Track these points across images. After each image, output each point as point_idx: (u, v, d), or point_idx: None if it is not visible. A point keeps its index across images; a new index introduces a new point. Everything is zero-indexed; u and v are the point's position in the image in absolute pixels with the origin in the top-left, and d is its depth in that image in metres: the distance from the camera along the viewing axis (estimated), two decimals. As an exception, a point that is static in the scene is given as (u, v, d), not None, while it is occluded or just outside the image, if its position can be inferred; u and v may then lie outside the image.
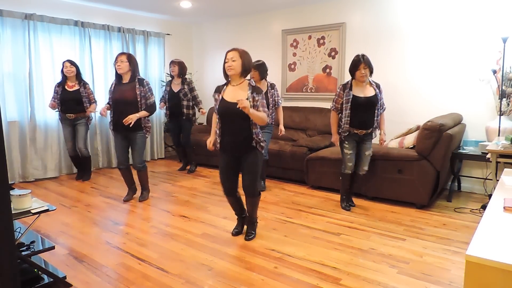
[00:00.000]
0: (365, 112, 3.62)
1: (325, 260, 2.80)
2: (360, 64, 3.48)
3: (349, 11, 5.30)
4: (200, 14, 6.45)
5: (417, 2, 4.71)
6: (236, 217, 3.36)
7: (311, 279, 2.52)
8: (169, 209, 4.04)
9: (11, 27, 4.87)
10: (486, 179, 4.41)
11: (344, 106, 3.64)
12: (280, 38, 6.06)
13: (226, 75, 2.94)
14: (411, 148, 4.16)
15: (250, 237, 3.19)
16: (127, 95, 3.91)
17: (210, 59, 7.12)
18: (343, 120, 3.67)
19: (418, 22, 4.73)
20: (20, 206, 2.29)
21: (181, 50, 7.12)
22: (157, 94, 6.48)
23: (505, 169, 2.35)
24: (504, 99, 4.00)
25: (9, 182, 2.61)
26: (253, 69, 4.32)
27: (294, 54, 5.93)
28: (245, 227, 3.30)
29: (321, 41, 5.61)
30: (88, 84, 5.02)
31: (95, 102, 5.06)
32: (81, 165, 5.21)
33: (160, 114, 6.55)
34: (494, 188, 2.40)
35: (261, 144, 2.95)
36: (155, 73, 6.55)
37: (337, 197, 4.37)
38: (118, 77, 4.00)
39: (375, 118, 3.68)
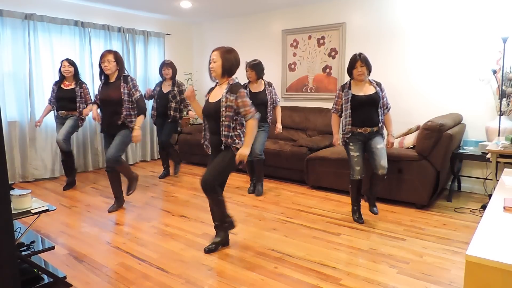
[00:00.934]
0: (366, 110, 3.45)
1: (325, 260, 2.80)
2: (356, 62, 3.38)
3: (349, 11, 5.30)
4: (200, 14, 6.45)
5: (417, 2, 4.71)
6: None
7: (311, 279, 2.52)
8: (169, 209, 4.04)
9: (11, 27, 4.87)
10: (486, 179, 4.41)
11: (344, 106, 3.52)
12: (280, 38, 6.06)
13: (210, 76, 2.97)
14: (411, 148, 4.16)
15: (210, 247, 2.96)
16: (113, 94, 3.74)
17: (210, 59, 7.10)
18: (344, 121, 3.52)
19: (418, 22, 4.73)
20: (20, 206, 2.29)
21: (181, 50, 7.12)
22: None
23: (505, 169, 2.35)
24: (504, 99, 4.00)
25: (9, 182, 2.61)
26: (250, 68, 4.32)
27: (294, 54, 5.93)
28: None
29: (321, 41, 5.61)
30: (85, 84, 4.80)
31: (92, 103, 4.82)
32: (65, 162, 4.80)
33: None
34: (494, 188, 2.40)
35: (236, 146, 2.82)
36: (155, 73, 6.55)
37: (337, 197, 4.37)
38: (106, 76, 3.82)
39: (380, 118, 3.51)
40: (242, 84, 3.71)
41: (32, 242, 2.42)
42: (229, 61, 2.85)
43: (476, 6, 4.31)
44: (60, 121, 4.80)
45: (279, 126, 4.51)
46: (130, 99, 3.82)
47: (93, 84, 5.69)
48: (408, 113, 4.87)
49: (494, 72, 4.10)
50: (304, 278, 2.54)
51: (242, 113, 2.78)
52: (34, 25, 5.00)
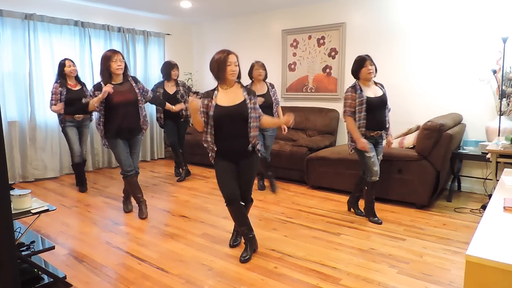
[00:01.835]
0: (379, 113, 3.44)
1: (325, 260, 2.80)
2: (366, 61, 3.39)
3: (349, 11, 5.30)
4: (200, 14, 6.45)
5: (417, 2, 4.71)
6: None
7: (311, 279, 2.52)
8: (169, 209, 4.04)
9: (11, 27, 4.87)
10: (486, 179, 4.41)
11: (357, 108, 3.38)
12: (280, 38, 6.06)
13: (222, 77, 2.75)
14: (411, 148, 4.16)
15: (246, 257, 2.83)
16: (131, 96, 3.59)
17: (210, 59, 7.10)
18: (357, 123, 3.41)
19: (418, 22, 4.73)
20: (20, 206, 2.29)
21: (181, 50, 7.12)
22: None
23: (505, 169, 2.35)
24: (504, 99, 4.00)
25: (9, 182, 2.61)
26: (261, 67, 4.38)
27: (294, 54, 5.93)
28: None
29: (321, 41, 5.61)
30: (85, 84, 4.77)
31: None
32: (82, 173, 4.80)
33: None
34: (494, 188, 2.40)
35: (258, 147, 2.82)
36: (155, 73, 6.55)
37: (337, 197, 4.37)
38: (108, 78, 3.54)
39: (386, 119, 3.52)
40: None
41: (32, 242, 2.42)
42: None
43: (476, 6, 4.31)
44: (75, 124, 4.63)
45: (285, 127, 4.48)
46: (145, 98, 3.80)
47: (93, 84, 5.67)
48: (408, 113, 4.87)
49: (494, 72, 4.10)
50: (304, 278, 2.54)
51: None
52: (34, 25, 5.00)
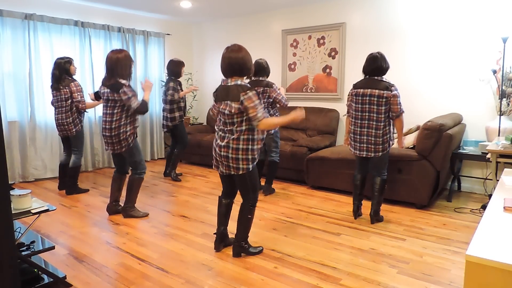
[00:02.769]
0: None
1: (325, 260, 2.80)
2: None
3: (349, 11, 5.30)
4: (200, 14, 6.45)
5: (417, 2, 4.71)
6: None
7: (311, 279, 2.52)
8: (169, 209, 4.04)
9: (11, 27, 4.87)
10: (486, 179, 4.41)
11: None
12: (280, 38, 6.06)
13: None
14: (411, 148, 4.16)
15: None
16: None
17: (210, 59, 7.12)
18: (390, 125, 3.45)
19: (418, 22, 4.73)
20: (20, 206, 2.29)
21: (181, 50, 7.12)
22: (158, 94, 6.49)
23: (505, 169, 2.35)
24: (504, 99, 4.00)
25: (9, 182, 2.61)
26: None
27: (294, 54, 5.93)
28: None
29: (321, 41, 5.61)
30: None
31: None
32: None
33: (159, 114, 6.54)
34: (494, 188, 2.40)
35: None
36: (155, 73, 6.55)
37: (337, 197, 4.37)
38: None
39: None
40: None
41: (32, 242, 2.42)
42: None
43: (476, 6, 4.31)
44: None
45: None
46: None
47: (93, 84, 5.69)
48: (408, 113, 4.84)
49: (494, 72, 4.10)
50: (304, 278, 2.54)
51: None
52: (34, 25, 5.00)
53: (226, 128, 2.71)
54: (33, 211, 2.29)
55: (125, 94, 3.41)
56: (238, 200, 2.94)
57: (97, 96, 4.38)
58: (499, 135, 3.98)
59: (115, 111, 3.47)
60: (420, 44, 4.75)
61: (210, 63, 7.14)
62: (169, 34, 6.80)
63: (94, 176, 5.48)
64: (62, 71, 4.30)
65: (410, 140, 4.27)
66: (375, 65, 3.33)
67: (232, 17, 6.63)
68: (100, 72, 5.76)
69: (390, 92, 3.27)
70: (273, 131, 4.37)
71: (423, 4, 4.67)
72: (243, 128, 2.65)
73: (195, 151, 6.04)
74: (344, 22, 5.33)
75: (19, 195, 2.29)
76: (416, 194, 3.92)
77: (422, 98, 4.79)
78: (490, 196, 3.83)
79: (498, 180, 2.48)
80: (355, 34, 5.28)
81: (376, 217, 3.55)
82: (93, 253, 2.95)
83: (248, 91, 2.59)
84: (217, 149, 2.75)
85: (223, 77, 2.75)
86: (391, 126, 3.43)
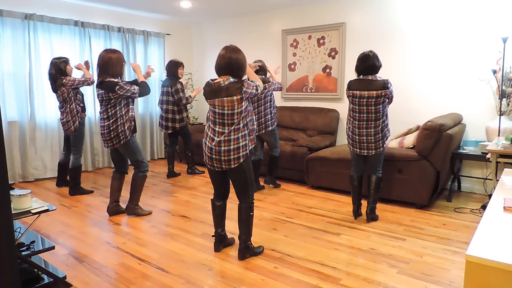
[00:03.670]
0: None
1: (325, 260, 2.80)
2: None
3: (349, 11, 5.30)
4: (200, 14, 6.45)
5: (417, 2, 4.71)
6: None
7: (311, 279, 2.52)
8: (169, 209, 4.04)
9: (11, 27, 4.87)
10: (486, 179, 4.41)
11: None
12: (280, 38, 6.06)
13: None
14: (411, 148, 4.16)
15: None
16: None
17: (210, 59, 7.11)
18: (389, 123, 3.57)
19: (418, 22, 4.73)
20: (20, 206, 2.29)
21: (181, 50, 7.12)
22: (158, 94, 6.48)
23: (505, 169, 2.35)
24: (504, 99, 4.00)
25: (9, 182, 2.61)
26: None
27: (294, 54, 5.93)
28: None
29: (321, 41, 5.61)
30: None
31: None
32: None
33: (159, 112, 6.53)
34: (494, 188, 2.40)
35: None
36: (155, 73, 6.54)
37: (337, 197, 4.37)
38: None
39: None
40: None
41: (32, 242, 2.42)
42: None
43: (476, 6, 4.31)
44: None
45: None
46: None
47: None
48: (408, 113, 4.87)
49: (494, 72, 4.10)
50: (304, 278, 2.54)
51: None
52: (34, 25, 5.00)
53: (224, 122, 2.70)
54: (33, 211, 2.29)
55: (123, 89, 3.44)
56: (234, 201, 2.94)
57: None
58: (499, 135, 3.98)
59: (109, 107, 3.50)
60: (420, 44, 4.75)
61: (210, 63, 7.14)
62: (169, 34, 6.80)
63: (94, 176, 5.48)
64: (58, 71, 4.31)
65: (410, 140, 4.27)
66: (368, 64, 3.34)
67: (232, 17, 6.63)
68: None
69: (387, 89, 3.31)
70: (271, 127, 4.42)
71: (423, 4, 4.67)
72: (239, 119, 2.69)
73: (195, 151, 6.03)
74: (344, 22, 5.33)
75: (19, 195, 2.29)
76: (416, 194, 3.92)
77: (422, 98, 4.79)
78: (490, 196, 3.83)
79: (498, 180, 2.48)
80: (355, 34, 5.28)
81: (372, 215, 3.57)
82: (93, 253, 2.95)
83: (246, 81, 2.70)
84: (212, 147, 2.73)
85: (216, 76, 2.77)
86: (387, 120, 3.48)
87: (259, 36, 6.32)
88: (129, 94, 3.48)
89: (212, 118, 2.77)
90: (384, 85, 3.29)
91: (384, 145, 3.48)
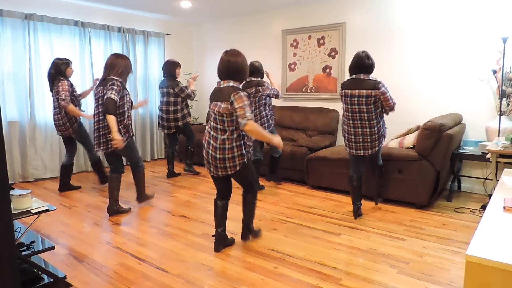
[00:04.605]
0: None
1: (325, 260, 2.81)
2: None
3: (349, 11, 5.30)
4: (200, 14, 6.45)
5: (417, 2, 4.71)
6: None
7: (311, 279, 2.52)
8: (169, 209, 4.04)
9: (11, 27, 4.87)
10: (486, 179, 4.41)
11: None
12: (280, 38, 6.06)
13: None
14: (411, 148, 4.16)
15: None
16: None
17: (210, 59, 7.12)
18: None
19: (418, 22, 4.73)
20: (20, 206, 2.29)
21: (181, 50, 7.12)
22: (157, 94, 6.48)
23: (505, 169, 2.35)
24: (504, 99, 4.00)
25: (9, 182, 2.61)
26: None
27: (294, 54, 5.93)
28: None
29: (321, 41, 5.61)
30: None
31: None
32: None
33: (158, 113, 6.53)
34: (494, 188, 2.40)
35: None
36: (155, 73, 6.55)
37: (337, 197, 4.37)
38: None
39: None
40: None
41: (32, 242, 2.42)
42: None
43: (476, 6, 4.31)
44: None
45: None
46: None
47: (93, 84, 5.67)
48: (408, 113, 4.87)
49: (494, 72, 4.10)
50: (304, 278, 2.54)
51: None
52: (34, 25, 5.00)
53: (217, 128, 2.73)
54: (33, 211, 2.29)
55: (112, 85, 3.50)
56: (234, 201, 2.94)
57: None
58: (499, 135, 3.98)
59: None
60: (420, 44, 4.75)
61: (210, 63, 7.14)
62: (169, 34, 6.80)
63: (94, 176, 5.48)
64: (58, 72, 4.32)
65: (410, 140, 4.27)
66: (360, 64, 3.37)
67: (232, 17, 6.63)
68: (100, 72, 5.75)
69: (378, 90, 3.31)
70: (266, 130, 4.39)
71: (423, 4, 4.67)
72: (233, 128, 2.70)
73: (195, 151, 6.03)
74: (344, 22, 5.33)
75: (19, 195, 2.29)
76: (416, 194, 3.92)
77: (422, 98, 4.79)
78: (490, 196, 3.83)
79: (498, 180, 2.48)
80: (355, 34, 5.28)
81: (379, 198, 3.85)
82: (93, 253, 2.95)
83: (239, 91, 2.65)
84: (209, 151, 2.77)
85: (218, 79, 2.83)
86: (383, 120, 3.49)
87: (259, 36, 6.32)
88: (107, 91, 3.45)
89: (210, 122, 2.82)
90: (375, 85, 3.31)
91: (381, 145, 3.51)
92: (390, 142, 4.49)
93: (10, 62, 4.91)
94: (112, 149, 3.59)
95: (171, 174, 5.39)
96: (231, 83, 2.72)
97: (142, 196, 4.04)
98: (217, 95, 2.73)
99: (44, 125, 5.26)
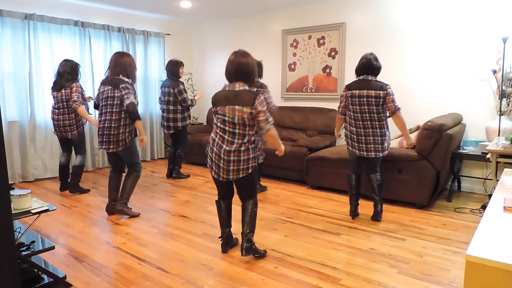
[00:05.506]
0: None
1: (325, 260, 2.80)
2: None
3: (349, 11, 5.30)
4: (200, 14, 6.45)
5: (417, 2, 4.71)
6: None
7: (311, 279, 2.52)
8: (169, 209, 4.04)
9: (11, 27, 4.87)
10: (486, 179, 4.41)
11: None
12: (280, 38, 6.06)
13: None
14: (411, 148, 4.16)
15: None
16: None
17: (210, 59, 7.12)
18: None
19: (418, 22, 4.73)
20: (20, 206, 2.29)
21: (181, 50, 7.12)
22: (157, 94, 6.48)
23: (505, 169, 2.35)
24: (504, 99, 4.00)
25: (9, 182, 2.61)
26: None
27: (294, 54, 5.93)
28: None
29: (321, 41, 5.61)
30: None
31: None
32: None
33: (159, 114, 6.53)
34: (494, 188, 2.40)
35: None
36: (155, 73, 6.55)
37: (337, 197, 4.38)
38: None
39: None
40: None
41: (32, 242, 2.42)
42: None
43: (476, 6, 4.31)
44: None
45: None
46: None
47: (93, 84, 5.69)
48: (408, 113, 4.86)
49: (494, 72, 4.11)
50: (304, 278, 2.54)
51: None
52: (34, 25, 5.00)
53: (235, 132, 2.65)
54: (33, 211, 2.29)
55: (126, 89, 3.45)
56: (235, 201, 2.94)
57: (95, 106, 4.13)
58: (499, 135, 3.98)
59: (115, 109, 3.48)
60: (420, 44, 4.75)
61: (210, 63, 7.14)
62: (169, 34, 6.80)
63: (94, 176, 5.48)
64: (74, 73, 4.36)
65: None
66: (369, 66, 3.38)
67: (232, 17, 6.63)
68: (100, 72, 5.77)
69: (385, 91, 3.32)
70: None
71: (423, 4, 4.67)
72: (252, 132, 2.69)
73: (195, 151, 6.04)
74: (344, 22, 5.33)
75: (19, 195, 2.29)
76: (416, 194, 3.92)
77: (422, 98, 4.79)
78: (490, 196, 3.83)
79: (498, 180, 2.48)
80: (355, 34, 5.28)
81: (379, 215, 3.60)
82: (93, 253, 2.95)
83: (260, 95, 2.63)
84: (221, 155, 2.67)
85: (227, 82, 2.73)
86: (387, 121, 3.48)
87: (259, 36, 6.32)
88: (124, 96, 3.43)
89: (221, 125, 2.69)
90: (383, 86, 3.33)
91: (387, 149, 3.47)
92: (390, 142, 4.49)
93: (10, 62, 4.91)
94: (113, 150, 3.58)
95: (176, 175, 5.34)
96: (247, 87, 2.67)
97: (119, 204, 3.73)
98: (234, 98, 2.61)
99: (44, 125, 5.26)
